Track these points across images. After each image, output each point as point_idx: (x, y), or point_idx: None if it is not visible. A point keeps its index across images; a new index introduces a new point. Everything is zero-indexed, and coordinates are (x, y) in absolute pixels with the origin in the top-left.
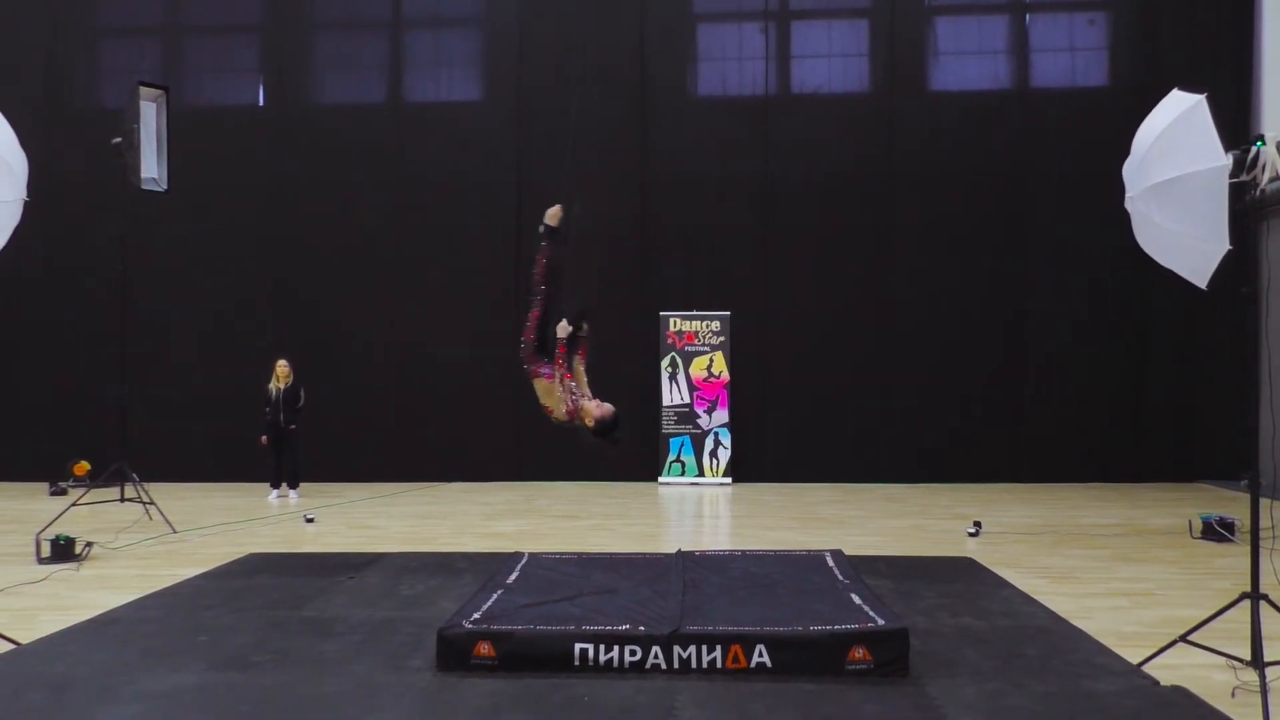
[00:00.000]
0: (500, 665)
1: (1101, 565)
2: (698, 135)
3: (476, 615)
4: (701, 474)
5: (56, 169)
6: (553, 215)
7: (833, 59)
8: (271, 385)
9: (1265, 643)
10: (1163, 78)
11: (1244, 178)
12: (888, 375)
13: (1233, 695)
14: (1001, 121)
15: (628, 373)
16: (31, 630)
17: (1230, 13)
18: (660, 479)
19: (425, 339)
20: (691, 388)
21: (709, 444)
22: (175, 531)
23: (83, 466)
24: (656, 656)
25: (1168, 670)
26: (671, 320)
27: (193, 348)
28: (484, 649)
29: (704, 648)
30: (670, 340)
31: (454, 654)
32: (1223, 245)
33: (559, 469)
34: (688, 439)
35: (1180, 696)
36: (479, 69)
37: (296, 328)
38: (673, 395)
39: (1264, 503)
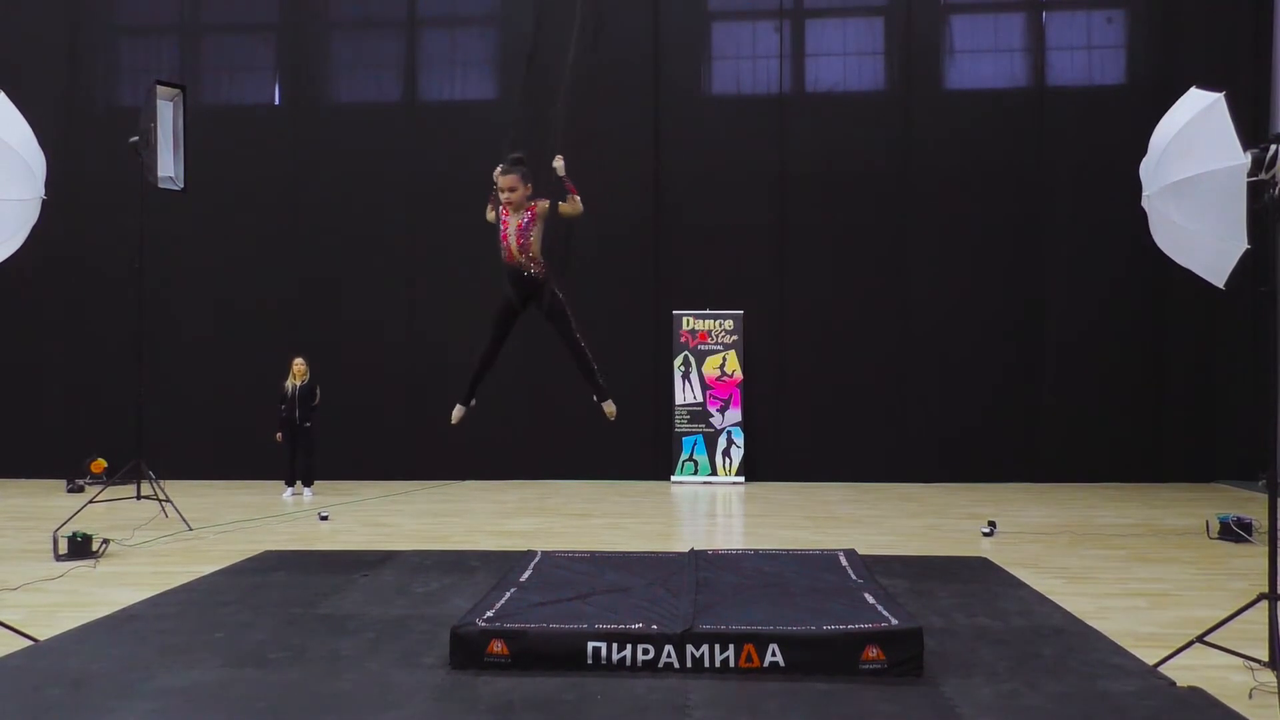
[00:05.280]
0: (513, 663)
1: (1118, 565)
2: (711, 134)
3: (490, 613)
4: (714, 473)
5: (74, 167)
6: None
7: (848, 57)
8: (287, 383)
9: None
10: (1181, 76)
11: (1262, 176)
12: (902, 374)
13: (1250, 696)
14: (1018, 120)
15: (640, 371)
16: (50, 627)
17: (1249, 11)
18: (673, 478)
19: (440, 337)
20: (704, 387)
21: (722, 443)
22: (191, 529)
23: (99, 464)
24: (669, 655)
25: (1184, 671)
26: (684, 319)
27: (209, 346)
28: (497, 647)
29: (717, 647)
30: (683, 339)
31: (467, 652)
32: (1241, 244)
33: (572, 467)
34: (700, 438)
35: (1197, 697)
36: (494, 68)
37: (312, 326)
38: (685, 394)
39: None
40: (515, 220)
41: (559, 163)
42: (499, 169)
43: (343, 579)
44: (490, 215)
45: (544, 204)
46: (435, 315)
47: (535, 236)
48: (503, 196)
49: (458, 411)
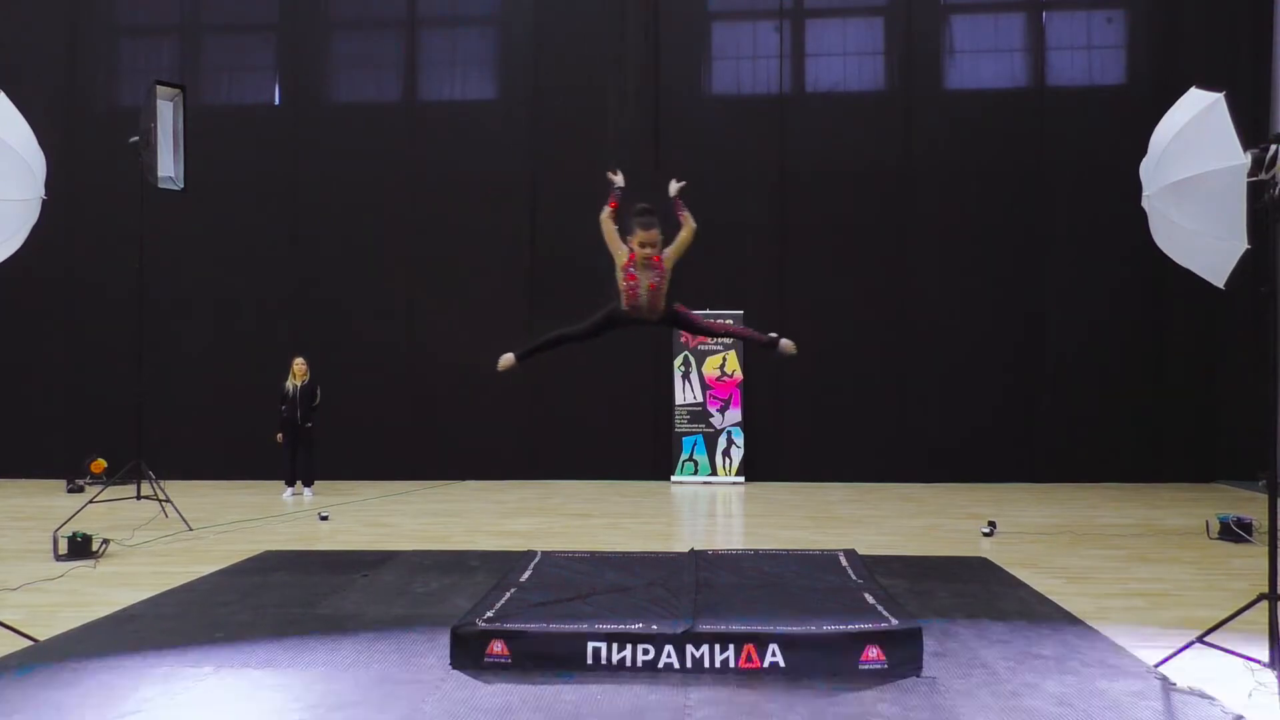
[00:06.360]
0: (513, 664)
1: (1118, 565)
2: (711, 134)
3: (490, 613)
4: (714, 473)
5: (74, 168)
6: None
7: (848, 57)
8: (288, 383)
9: None
10: (1180, 76)
11: (1262, 176)
12: (903, 374)
13: (1250, 696)
14: (1018, 120)
15: (640, 372)
16: (50, 627)
17: (1249, 11)
18: (673, 478)
19: (440, 337)
20: (704, 387)
21: (721, 443)
22: (191, 529)
23: (100, 464)
24: (669, 656)
25: (1184, 671)
26: None
27: (209, 346)
28: (497, 647)
29: (717, 647)
30: (683, 339)
31: (467, 652)
32: (1240, 244)
33: (572, 467)
34: (700, 438)
35: (1197, 697)
36: (494, 68)
37: (312, 326)
38: (685, 394)
39: None
40: (646, 279)
41: (678, 185)
42: (615, 186)
43: (343, 579)
44: (609, 225)
45: (671, 259)
46: (435, 314)
47: (665, 289)
48: (642, 252)
49: (508, 359)
